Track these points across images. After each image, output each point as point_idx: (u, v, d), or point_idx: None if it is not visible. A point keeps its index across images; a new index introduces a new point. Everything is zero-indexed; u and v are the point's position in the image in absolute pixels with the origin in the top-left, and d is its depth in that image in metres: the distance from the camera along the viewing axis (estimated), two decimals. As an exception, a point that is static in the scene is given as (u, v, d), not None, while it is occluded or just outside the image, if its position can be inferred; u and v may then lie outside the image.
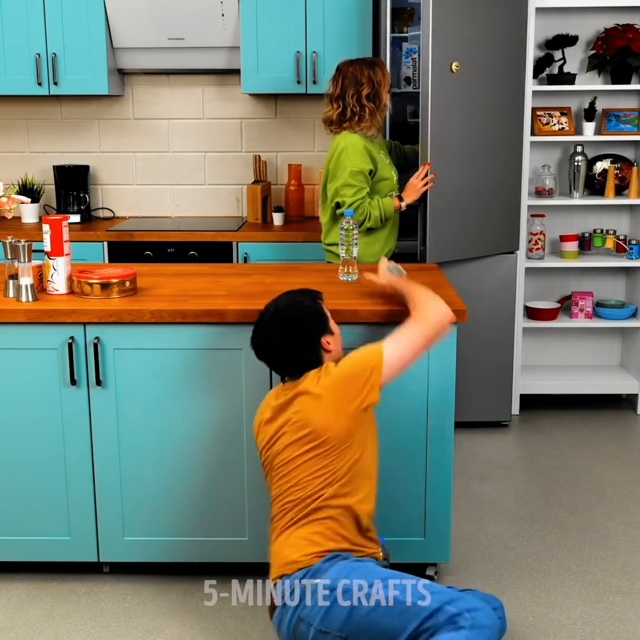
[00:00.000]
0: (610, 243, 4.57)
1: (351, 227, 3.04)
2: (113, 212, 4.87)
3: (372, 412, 2.50)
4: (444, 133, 3.80)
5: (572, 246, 4.51)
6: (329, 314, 2.56)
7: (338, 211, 3.63)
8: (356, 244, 3.07)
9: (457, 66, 3.69)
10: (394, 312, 2.71)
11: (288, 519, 2.44)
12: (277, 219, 4.59)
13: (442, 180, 3.80)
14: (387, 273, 2.84)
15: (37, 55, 4.35)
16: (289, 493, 2.45)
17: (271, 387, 2.78)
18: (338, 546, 2.42)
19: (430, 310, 2.53)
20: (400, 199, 3.68)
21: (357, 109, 3.60)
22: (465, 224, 4.04)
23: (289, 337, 2.48)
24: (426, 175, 3.73)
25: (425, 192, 3.74)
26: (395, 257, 3.56)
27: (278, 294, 2.58)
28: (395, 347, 2.45)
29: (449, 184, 3.85)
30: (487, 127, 4.02)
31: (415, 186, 3.72)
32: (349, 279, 3.10)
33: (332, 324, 2.56)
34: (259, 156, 4.69)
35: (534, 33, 4.29)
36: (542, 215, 4.52)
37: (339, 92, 3.63)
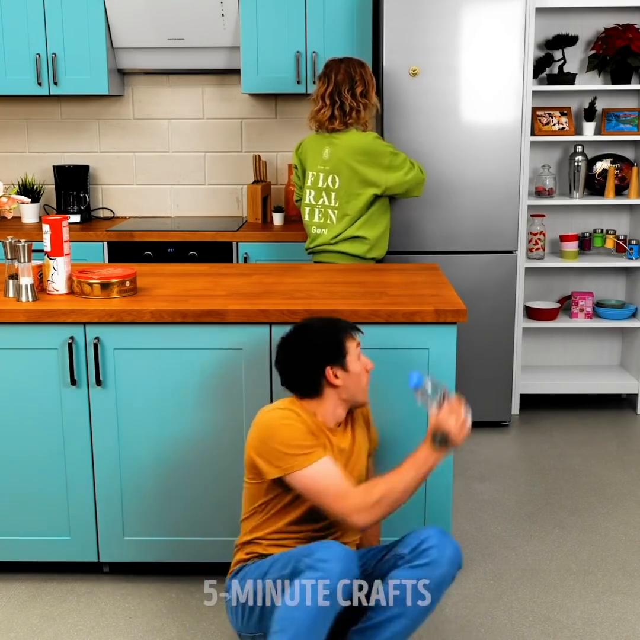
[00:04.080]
0: (610, 243, 4.57)
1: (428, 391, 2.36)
2: (113, 212, 4.87)
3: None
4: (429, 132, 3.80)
5: (572, 246, 4.51)
6: (351, 351, 2.42)
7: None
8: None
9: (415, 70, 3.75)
10: (394, 313, 2.71)
11: None
12: (277, 219, 4.59)
13: (440, 178, 3.79)
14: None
15: (37, 55, 4.35)
16: None
17: (271, 388, 2.79)
18: None
19: (388, 495, 2.34)
20: None
21: (354, 105, 3.61)
22: (462, 221, 4.04)
23: (291, 357, 2.43)
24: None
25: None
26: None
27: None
28: (323, 476, 2.29)
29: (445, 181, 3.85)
30: (484, 126, 4.04)
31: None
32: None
33: (352, 363, 2.41)
34: (259, 156, 4.69)
35: (534, 33, 4.29)
36: (542, 215, 4.52)
37: (331, 89, 3.63)
